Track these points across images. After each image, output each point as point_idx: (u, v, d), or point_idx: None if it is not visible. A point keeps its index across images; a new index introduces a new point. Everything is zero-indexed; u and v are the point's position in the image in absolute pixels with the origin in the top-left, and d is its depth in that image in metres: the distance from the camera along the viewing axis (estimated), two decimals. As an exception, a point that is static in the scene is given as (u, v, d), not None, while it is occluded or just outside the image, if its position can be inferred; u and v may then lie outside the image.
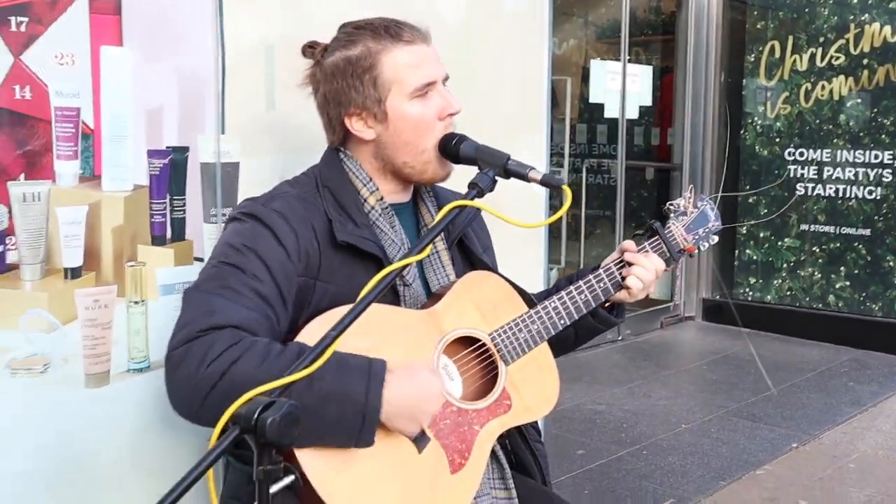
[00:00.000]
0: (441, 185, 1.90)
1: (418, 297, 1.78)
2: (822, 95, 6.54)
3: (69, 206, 1.84)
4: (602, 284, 1.90)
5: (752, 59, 6.85)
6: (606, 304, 1.98)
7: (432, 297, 1.80)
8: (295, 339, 1.56)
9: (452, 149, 1.70)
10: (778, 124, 6.76)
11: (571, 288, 1.87)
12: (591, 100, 6.50)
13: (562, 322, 1.85)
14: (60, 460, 1.84)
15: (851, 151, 6.43)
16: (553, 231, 7.68)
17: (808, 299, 6.68)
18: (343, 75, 1.74)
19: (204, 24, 2.02)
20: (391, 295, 1.75)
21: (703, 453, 4.25)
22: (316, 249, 1.67)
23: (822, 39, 6.52)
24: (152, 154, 1.96)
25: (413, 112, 1.71)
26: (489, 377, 1.80)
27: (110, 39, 1.88)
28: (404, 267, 1.47)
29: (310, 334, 1.57)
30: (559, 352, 2.02)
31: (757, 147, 6.85)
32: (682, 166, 7.09)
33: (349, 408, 1.49)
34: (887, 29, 6.22)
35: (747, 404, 5.03)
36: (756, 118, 6.85)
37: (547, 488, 1.94)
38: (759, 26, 6.81)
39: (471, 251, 1.93)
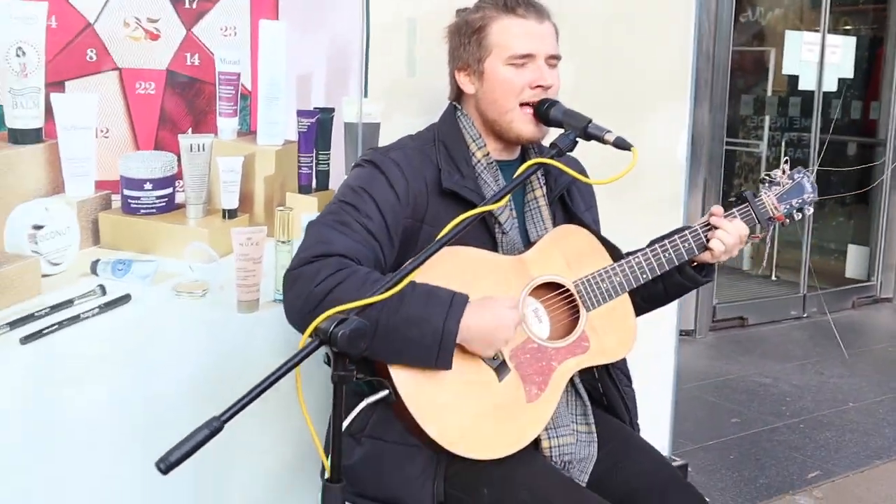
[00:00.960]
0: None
1: (515, 244, 1.98)
2: None
3: (228, 157, 2.17)
4: (686, 244, 2.03)
5: (970, 29, 6.47)
6: (694, 264, 2.10)
7: (528, 245, 2.00)
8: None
9: (544, 112, 1.89)
10: None
11: (657, 246, 2.02)
12: (785, 71, 6.35)
13: (644, 276, 2.00)
14: (215, 374, 2.18)
15: None
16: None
17: None
18: (459, 34, 1.98)
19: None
20: (490, 241, 1.96)
21: (863, 431, 4.20)
22: (424, 196, 1.91)
23: None
24: (301, 114, 2.26)
25: (504, 75, 1.91)
26: (573, 320, 1.98)
27: (268, 14, 2.18)
28: (481, 213, 1.68)
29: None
30: (651, 305, 2.18)
31: (969, 122, 6.48)
32: (886, 141, 6.81)
33: (429, 331, 1.72)
34: None
35: (927, 389, 4.88)
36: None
37: (631, 429, 2.11)
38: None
39: (571, 209, 2.11)
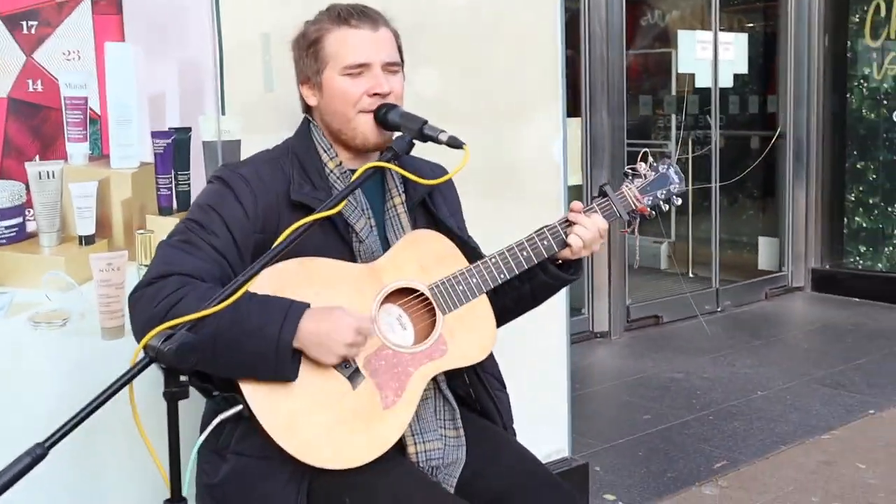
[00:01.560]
0: (414, 155, 2.11)
1: (374, 252, 1.98)
2: (932, 54, 6.32)
3: (81, 182, 2.14)
4: (545, 242, 2.04)
5: (857, 20, 6.67)
6: (559, 262, 2.12)
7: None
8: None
9: (382, 117, 1.90)
10: (885, 86, 6.56)
11: (513, 244, 2.03)
12: (681, 70, 6.49)
13: (501, 276, 2.00)
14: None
15: (963, 111, 6.20)
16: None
17: (920, 266, 6.49)
18: (298, 47, 2.00)
19: (201, 17, 2.29)
20: (347, 250, 1.96)
21: (770, 419, 4.27)
22: (275, 209, 1.90)
23: (930, -4, 6.31)
24: (156, 135, 2.24)
25: (340, 86, 1.92)
26: (434, 324, 1.98)
27: (113, 36, 2.17)
28: (314, 221, 1.68)
29: (259, 283, 1.81)
30: (521, 308, 2.18)
31: (864, 111, 6.67)
32: (786, 133, 6.97)
33: (266, 341, 1.72)
34: None
35: (834, 372, 4.98)
36: (862, 81, 6.67)
37: (504, 432, 2.11)
38: (863, -14, 6.63)
39: (435, 214, 2.12)
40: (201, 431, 1.85)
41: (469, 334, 2.00)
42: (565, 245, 2.06)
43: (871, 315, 6.24)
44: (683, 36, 6.36)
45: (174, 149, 2.26)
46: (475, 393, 2.12)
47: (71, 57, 2.12)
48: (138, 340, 1.70)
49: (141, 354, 1.50)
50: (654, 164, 2.18)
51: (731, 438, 4.05)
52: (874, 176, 6.66)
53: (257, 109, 2.37)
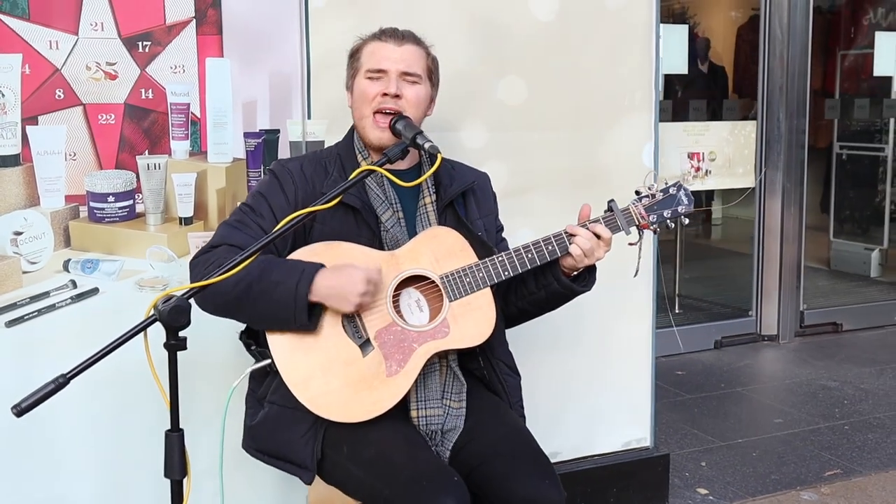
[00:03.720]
0: (459, 160, 2.40)
1: (398, 241, 2.26)
2: None
3: (182, 173, 2.57)
4: (550, 247, 2.24)
5: None
6: (574, 273, 2.31)
7: (412, 243, 2.29)
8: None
9: (393, 126, 2.19)
10: None
11: (520, 246, 2.24)
12: (876, 73, 6.20)
13: (506, 273, 2.22)
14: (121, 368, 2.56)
15: None
16: (878, 212, 7.38)
17: None
18: (347, 59, 2.35)
19: (291, 33, 2.65)
20: (374, 237, 2.25)
21: (910, 434, 4.12)
22: (311, 199, 2.20)
23: None
24: (248, 135, 2.63)
25: (361, 86, 2.25)
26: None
27: (213, 52, 2.58)
28: (312, 212, 2.01)
29: (292, 258, 2.16)
30: (538, 310, 2.40)
31: None
32: None
33: (285, 292, 2.06)
34: None
35: None
36: None
37: (507, 407, 2.33)
38: None
39: (463, 215, 2.36)
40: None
41: (470, 321, 2.23)
42: (567, 250, 2.25)
43: None
44: (882, 38, 6.07)
45: (264, 147, 2.65)
46: (487, 375, 2.36)
47: (177, 70, 2.55)
48: (195, 300, 2.09)
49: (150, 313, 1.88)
50: (667, 187, 2.33)
51: (857, 450, 3.96)
52: None
53: (340, 115, 2.69)
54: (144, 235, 2.56)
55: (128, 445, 2.58)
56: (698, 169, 5.30)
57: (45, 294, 2.47)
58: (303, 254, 2.17)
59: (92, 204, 2.50)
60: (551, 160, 3.07)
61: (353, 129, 2.35)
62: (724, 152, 5.43)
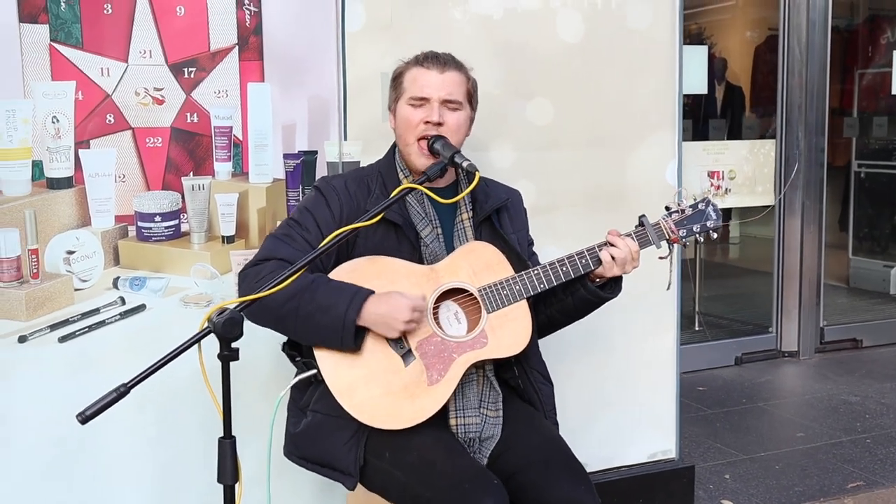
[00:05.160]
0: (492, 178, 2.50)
1: (437, 255, 2.36)
2: None
3: (225, 193, 2.68)
4: (583, 260, 2.34)
5: None
6: (599, 281, 2.40)
7: (450, 257, 2.39)
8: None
9: (431, 146, 2.29)
10: None
11: (554, 260, 2.34)
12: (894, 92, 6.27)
13: (542, 286, 2.32)
14: (218, 369, 2.67)
15: None
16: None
17: None
18: (390, 81, 2.44)
19: (328, 59, 2.77)
20: (415, 252, 2.35)
21: (931, 448, 4.18)
22: (356, 215, 2.29)
23: None
24: (287, 156, 2.74)
25: (404, 113, 2.34)
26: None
27: (255, 77, 2.70)
28: (355, 229, 2.10)
29: (336, 273, 2.26)
30: (567, 318, 2.48)
31: None
32: None
33: (335, 317, 2.15)
34: None
35: None
36: None
37: (542, 417, 2.42)
38: None
39: (498, 230, 2.46)
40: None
41: (507, 332, 2.33)
42: (600, 263, 2.35)
43: None
44: (900, 56, 6.16)
45: (302, 168, 2.76)
46: (522, 384, 2.45)
47: (220, 95, 2.67)
48: (244, 311, 2.19)
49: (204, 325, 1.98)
50: (696, 203, 2.43)
51: (879, 463, 4.01)
52: None
53: (374, 136, 2.81)
54: (189, 254, 2.67)
55: (175, 454, 2.68)
56: (718, 188, 5.39)
57: (96, 311, 2.58)
58: (346, 268, 2.27)
59: (140, 224, 2.61)
60: (577, 179, 3.17)
61: (394, 148, 2.45)
62: (744, 171, 5.51)
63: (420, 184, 2.20)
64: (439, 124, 2.30)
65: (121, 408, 2.10)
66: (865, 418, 4.60)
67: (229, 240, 2.71)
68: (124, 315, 2.60)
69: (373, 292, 2.20)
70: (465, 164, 2.21)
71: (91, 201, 2.56)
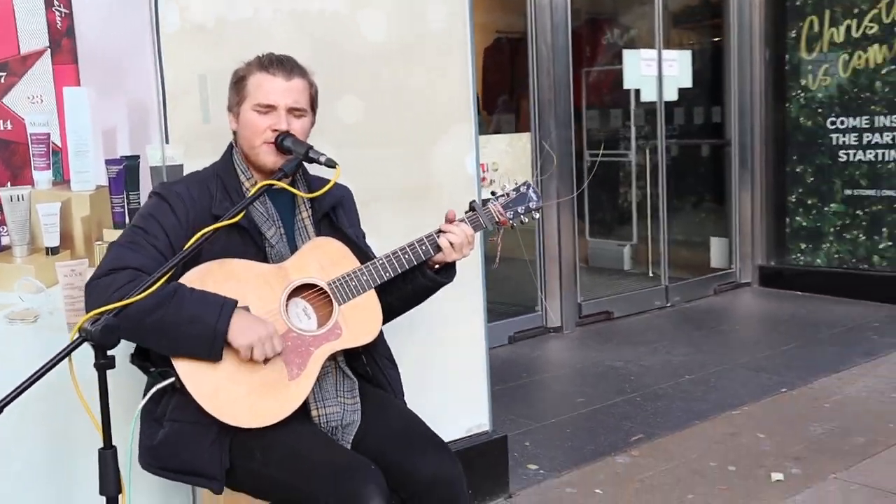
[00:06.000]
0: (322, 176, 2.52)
1: (283, 255, 2.37)
2: (859, 65, 6.70)
3: (46, 203, 2.54)
4: (423, 247, 2.43)
5: (794, 35, 7.06)
6: (437, 268, 2.50)
7: (294, 256, 2.40)
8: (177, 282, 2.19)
9: (280, 144, 2.30)
10: (820, 96, 6.94)
11: (397, 249, 2.42)
12: (626, 86, 6.88)
13: (387, 274, 2.39)
14: (48, 389, 2.52)
15: (888, 116, 6.57)
16: (625, 211, 8.10)
17: (853, 261, 6.85)
18: (231, 83, 2.41)
19: (144, 62, 2.68)
20: (261, 253, 2.35)
21: (691, 399, 4.65)
22: (201, 221, 2.28)
23: (856, 11, 6.69)
24: (109, 162, 2.63)
25: (249, 118, 2.33)
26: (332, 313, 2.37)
27: (70, 81, 2.57)
28: (216, 228, 2.08)
29: (187, 278, 2.21)
30: (406, 305, 2.57)
31: (801, 119, 7.05)
32: (731, 142, 7.36)
33: (204, 328, 2.11)
34: (913, -3, 6.35)
35: (759, 357, 5.36)
36: (800, 91, 7.05)
37: (395, 400, 2.50)
38: (798, 3, 7.01)
39: (337, 225, 2.51)
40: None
41: (359, 321, 2.38)
42: (439, 249, 2.45)
43: (809, 307, 6.62)
44: (629, 55, 6.74)
45: (125, 173, 2.66)
46: (372, 371, 2.51)
47: (35, 100, 2.52)
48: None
49: (76, 335, 1.89)
50: (518, 186, 2.59)
51: (651, 416, 4.42)
52: (812, 179, 7.03)
53: (196, 138, 2.76)
54: (11, 268, 2.51)
55: (59, 467, 2.52)
56: (485, 178, 5.66)
57: (-89, 334, 2.36)
58: (197, 273, 2.22)
59: (-44, 239, 2.42)
60: (388, 174, 3.26)
61: (230, 150, 2.43)
62: (505, 162, 5.83)
63: (279, 180, 2.20)
64: (286, 132, 2.31)
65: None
66: (631, 380, 5.04)
67: (54, 251, 2.56)
68: (-56, 338, 2.40)
69: (236, 302, 2.18)
70: (322, 159, 2.24)
71: None
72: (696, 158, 7.80)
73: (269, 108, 2.32)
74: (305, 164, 2.32)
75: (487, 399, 3.59)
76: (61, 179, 2.58)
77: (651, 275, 7.39)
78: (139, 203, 2.69)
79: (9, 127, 2.48)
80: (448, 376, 3.48)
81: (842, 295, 6.78)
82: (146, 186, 2.70)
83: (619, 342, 5.88)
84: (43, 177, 2.54)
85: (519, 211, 2.57)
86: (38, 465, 2.54)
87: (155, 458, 2.30)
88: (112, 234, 2.65)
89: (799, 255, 7.17)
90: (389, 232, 2.74)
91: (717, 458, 3.84)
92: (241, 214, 2.15)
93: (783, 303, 6.79)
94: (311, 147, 2.27)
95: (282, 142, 2.29)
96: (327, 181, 2.55)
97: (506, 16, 7.51)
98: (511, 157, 5.88)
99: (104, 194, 2.64)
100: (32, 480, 2.54)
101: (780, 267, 7.29)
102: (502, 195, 2.58)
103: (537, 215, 2.62)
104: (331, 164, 2.24)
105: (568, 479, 3.71)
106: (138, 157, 2.69)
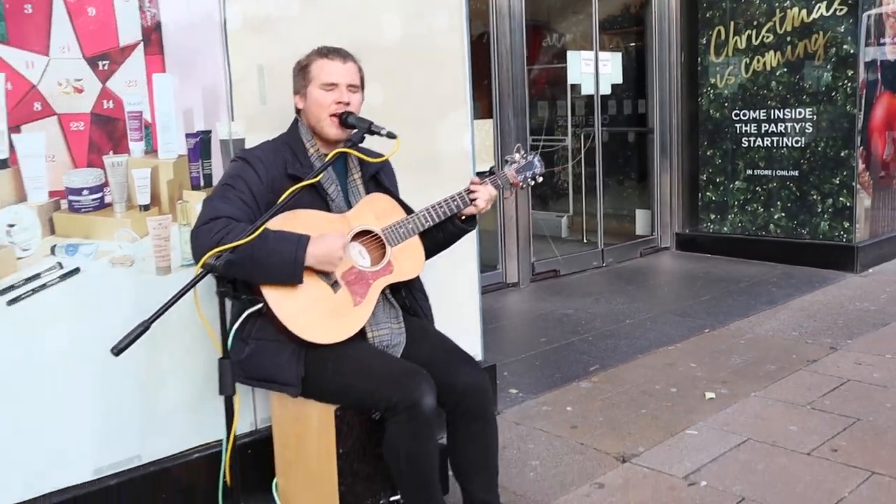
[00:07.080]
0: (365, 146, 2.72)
1: (341, 208, 2.58)
2: (758, 67, 7.06)
3: (139, 168, 2.70)
4: (455, 203, 2.66)
5: (704, 42, 7.39)
6: (463, 219, 2.73)
7: (350, 208, 2.60)
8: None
9: (344, 120, 2.51)
10: (726, 92, 7.30)
11: (434, 203, 2.64)
12: (571, 81, 7.15)
13: (428, 223, 2.62)
14: (143, 317, 2.70)
15: (781, 110, 6.95)
16: (562, 186, 8.38)
17: (754, 228, 7.25)
18: (295, 71, 2.61)
19: (216, 55, 2.85)
20: (325, 205, 2.55)
21: (633, 338, 4.96)
22: (278, 179, 2.48)
23: (755, 23, 7.04)
24: (188, 135, 2.80)
25: (316, 95, 2.54)
26: (383, 254, 2.59)
27: (158, 69, 2.72)
28: (303, 186, 2.29)
29: (272, 224, 2.40)
30: (437, 248, 2.79)
31: (711, 111, 7.40)
32: (653, 130, 7.69)
33: (286, 258, 2.32)
34: (804, 12, 6.72)
35: (684, 305, 5.70)
36: (710, 88, 7.40)
37: (432, 327, 2.73)
38: (707, 15, 7.34)
39: (383, 184, 2.72)
40: (232, 324, 2.43)
41: (408, 259, 2.61)
42: (468, 204, 2.68)
43: (718, 266, 6.99)
44: (572, 55, 7.01)
45: (200, 145, 2.83)
46: (409, 302, 2.74)
47: (131, 84, 2.67)
48: (197, 260, 2.29)
49: (200, 269, 2.08)
50: (525, 155, 2.82)
51: (603, 352, 4.72)
52: (719, 161, 7.40)
53: (255, 117, 2.93)
54: (113, 221, 2.66)
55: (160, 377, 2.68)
56: (457, 159, 5.87)
57: (37, 276, 2.51)
58: (278, 221, 2.41)
59: (70, 197, 2.57)
60: (404, 148, 3.45)
61: (295, 124, 2.62)
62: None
63: (351, 147, 2.41)
64: (347, 104, 2.52)
65: (65, 362, 2.13)
66: (582, 324, 5.33)
67: (145, 208, 2.73)
68: (63, 277, 2.56)
69: (310, 237, 2.38)
70: (384, 132, 2.44)
71: (26, 179, 2.49)
72: (625, 143, 8.13)
73: (333, 86, 2.53)
74: (369, 134, 2.52)
75: (480, 332, 3.83)
76: (151, 149, 2.74)
77: (585, 241, 7.70)
78: (210, 169, 2.87)
79: (111, 106, 2.64)
80: (451, 314, 3.71)
81: (745, 257, 7.17)
82: (217, 155, 2.88)
83: (567, 294, 6.17)
84: (137, 147, 2.70)
85: (527, 175, 2.82)
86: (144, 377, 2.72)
87: (243, 370, 2.50)
88: (190, 195, 2.82)
89: (709, 224, 7.54)
90: (404, 193, 2.94)
91: (660, 383, 4.15)
92: (320, 175, 2.35)
93: (697, 263, 7.16)
94: (372, 123, 2.48)
95: (346, 118, 2.50)
96: (373, 151, 2.77)
97: (471, 21, 7.70)
98: (477, 139, 6.08)
99: (184, 162, 2.80)
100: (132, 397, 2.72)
101: (694, 234, 7.66)
102: (514, 162, 2.81)
103: (541, 179, 2.86)
104: (391, 135, 2.45)
105: (543, 400, 3.98)
106: (210, 131, 2.86)
